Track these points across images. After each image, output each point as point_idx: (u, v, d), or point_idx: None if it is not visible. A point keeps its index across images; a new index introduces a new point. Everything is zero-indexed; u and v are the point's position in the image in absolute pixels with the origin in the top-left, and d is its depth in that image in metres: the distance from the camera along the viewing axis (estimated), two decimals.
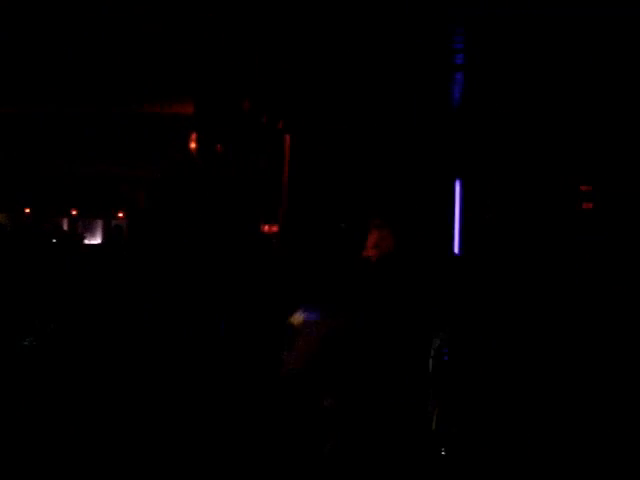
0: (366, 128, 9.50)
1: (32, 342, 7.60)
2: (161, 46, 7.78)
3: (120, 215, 19.63)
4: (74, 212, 20.22)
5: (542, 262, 9.20)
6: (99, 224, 20.72)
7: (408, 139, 9.55)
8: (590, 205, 9.79)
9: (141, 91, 10.02)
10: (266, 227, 10.30)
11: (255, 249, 8.52)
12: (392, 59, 7.51)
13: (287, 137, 9.69)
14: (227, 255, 8.17)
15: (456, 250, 9.37)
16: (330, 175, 9.63)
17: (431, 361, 4.47)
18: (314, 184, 9.54)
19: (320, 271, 4.30)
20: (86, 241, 18.36)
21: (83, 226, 20.38)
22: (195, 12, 6.72)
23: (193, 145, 10.53)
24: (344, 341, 3.75)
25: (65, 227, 19.70)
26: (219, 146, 10.12)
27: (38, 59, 8.36)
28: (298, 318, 3.88)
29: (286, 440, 3.93)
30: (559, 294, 8.40)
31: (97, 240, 20.20)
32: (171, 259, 8.53)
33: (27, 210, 19.63)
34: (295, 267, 6.81)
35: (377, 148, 9.65)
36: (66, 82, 9.42)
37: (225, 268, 7.80)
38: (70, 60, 8.29)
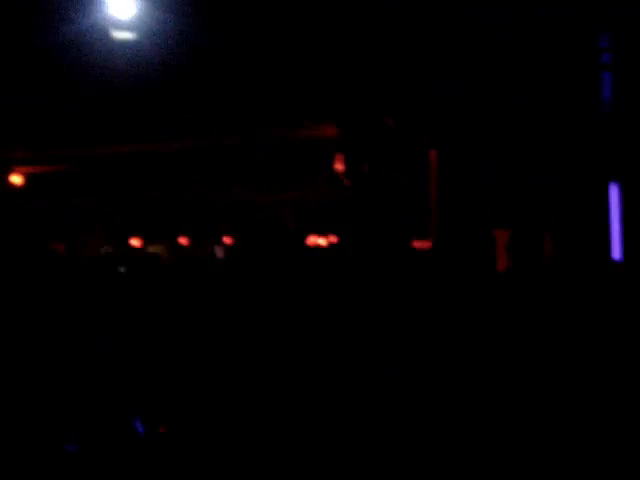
0: (517, 135, 9.32)
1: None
2: (306, 70, 7.91)
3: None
4: (228, 240, 20.73)
5: None
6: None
7: (559, 143, 9.29)
8: None
9: (286, 116, 10.23)
10: (415, 242, 10.25)
11: (410, 264, 8.49)
12: (546, 63, 7.34)
13: (432, 152, 9.63)
14: (384, 272, 8.18)
15: (617, 255, 9.03)
16: (480, 186, 9.49)
17: None
18: (464, 197, 9.42)
19: (476, 281, 4.23)
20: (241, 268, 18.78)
21: (239, 252, 20.87)
22: (341, 36, 6.80)
23: (339, 166, 10.63)
24: None
25: (220, 254, 20.21)
26: (365, 165, 10.18)
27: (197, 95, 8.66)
28: None
29: None
30: None
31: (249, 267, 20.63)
32: (331, 278, 8.59)
33: (182, 239, 20.31)
34: (451, 280, 6.75)
35: (528, 155, 9.44)
36: (215, 113, 9.72)
37: (382, 285, 7.81)
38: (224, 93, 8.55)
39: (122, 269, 13.14)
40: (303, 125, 10.51)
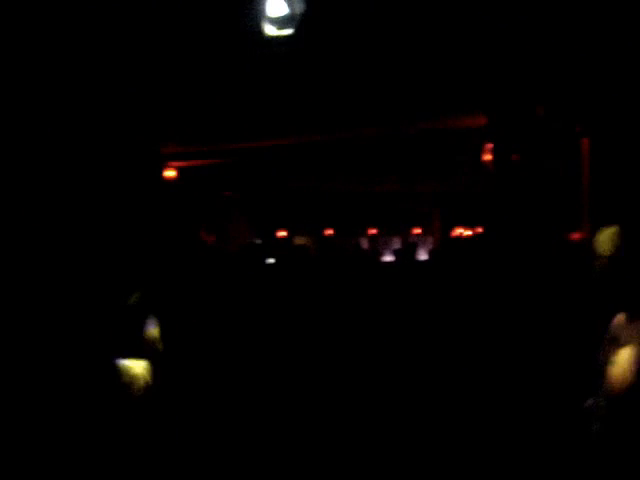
0: None
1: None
2: (455, 60, 7.86)
3: (417, 232, 20.01)
4: (373, 231, 20.86)
5: None
6: (397, 242, 21.21)
7: None
8: None
9: (433, 108, 10.19)
10: (570, 234, 9.99)
11: (563, 256, 8.28)
12: None
13: (584, 141, 9.36)
14: (536, 263, 8.03)
15: None
16: (635, 176, 9.16)
17: None
18: (619, 187, 9.12)
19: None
20: (383, 258, 18.87)
21: (382, 244, 20.96)
22: (492, 25, 6.72)
23: (487, 156, 10.48)
24: None
25: (365, 246, 20.33)
26: (514, 155, 9.99)
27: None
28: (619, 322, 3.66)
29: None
30: None
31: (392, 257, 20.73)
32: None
33: (329, 231, 20.56)
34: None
35: None
36: (363, 106, 9.78)
37: (535, 277, 7.66)
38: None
39: (270, 260, 13.41)
40: (451, 116, 10.43)
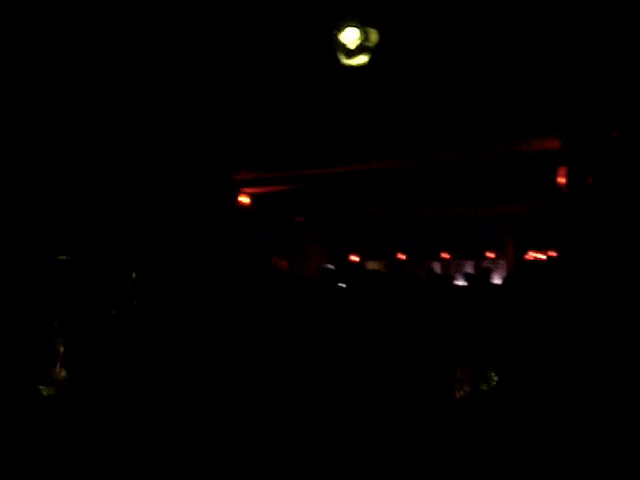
0: None
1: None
2: (529, 83, 7.85)
3: (490, 255, 19.83)
4: (446, 255, 20.77)
5: None
6: (470, 266, 21.05)
7: None
8: None
9: (506, 132, 10.16)
10: None
11: None
12: None
13: None
14: (615, 288, 7.94)
15: None
16: None
17: None
18: None
19: None
20: (456, 282, 18.74)
21: (455, 268, 20.83)
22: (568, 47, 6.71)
23: (562, 179, 10.39)
24: None
25: (438, 270, 20.25)
26: (589, 178, 9.90)
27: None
28: None
29: None
30: None
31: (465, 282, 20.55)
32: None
33: (401, 256, 20.54)
34: None
35: None
36: (436, 131, 9.82)
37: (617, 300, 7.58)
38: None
39: (342, 284, 13.46)
40: (525, 139, 10.39)
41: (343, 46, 5.69)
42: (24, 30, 7.03)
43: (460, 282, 19.47)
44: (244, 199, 14.15)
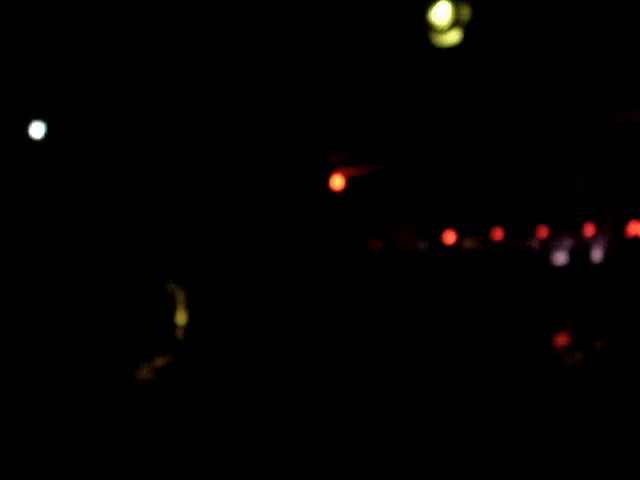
0: None
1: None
2: (631, 53, 7.62)
3: (590, 231, 19.29)
4: (543, 231, 20.33)
5: None
6: (569, 243, 20.56)
7: None
8: None
9: (607, 102, 9.90)
10: None
11: None
12: None
13: None
14: None
15: None
16: None
17: None
18: None
19: None
20: (555, 260, 18.36)
21: (553, 245, 20.37)
22: None
23: None
24: None
25: (536, 247, 19.86)
26: None
27: None
28: None
29: None
30: None
31: (562, 260, 20.10)
32: None
33: (496, 231, 20.18)
34: None
35: None
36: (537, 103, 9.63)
37: None
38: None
39: (438, 265, 13.37)
40: (626, 109, 10.09)
41: (434, 25, 5.60)
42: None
43: (559, 259, 19.07)
44: (338, 180, 14.15)
